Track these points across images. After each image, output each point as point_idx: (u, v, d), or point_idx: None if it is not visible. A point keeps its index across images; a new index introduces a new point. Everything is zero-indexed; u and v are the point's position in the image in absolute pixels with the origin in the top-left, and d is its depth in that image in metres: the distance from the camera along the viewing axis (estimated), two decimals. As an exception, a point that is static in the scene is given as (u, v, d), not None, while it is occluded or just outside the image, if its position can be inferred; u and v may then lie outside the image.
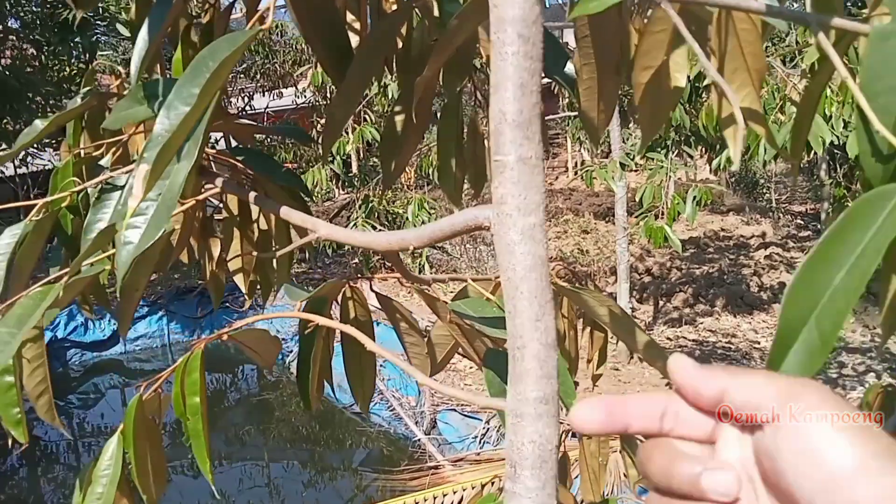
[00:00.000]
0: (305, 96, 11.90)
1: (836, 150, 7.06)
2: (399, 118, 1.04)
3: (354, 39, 1.02)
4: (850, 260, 0.38)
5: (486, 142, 1.13)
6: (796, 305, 0.41)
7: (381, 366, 6.99)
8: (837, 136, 4.26)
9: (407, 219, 7.63)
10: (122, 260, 0.74)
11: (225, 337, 0.76)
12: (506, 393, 0.84)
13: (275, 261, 1.12)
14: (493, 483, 4.18)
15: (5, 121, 9.40)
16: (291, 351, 8.35)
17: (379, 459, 6.13)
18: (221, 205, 1.13)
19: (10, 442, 0.88)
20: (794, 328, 0.41)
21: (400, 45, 1.06)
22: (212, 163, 1.10)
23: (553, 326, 0.56)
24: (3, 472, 6.44)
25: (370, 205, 8.86)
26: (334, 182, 12.30)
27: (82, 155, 1.11)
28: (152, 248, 0.89)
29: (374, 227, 8.85)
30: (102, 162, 1.10)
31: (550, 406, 0.57)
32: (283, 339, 8.65)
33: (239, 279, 1.15)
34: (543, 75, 1.00)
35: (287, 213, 0.76)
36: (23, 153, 10.12)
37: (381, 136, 1.03)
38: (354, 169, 11.60)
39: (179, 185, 0.74)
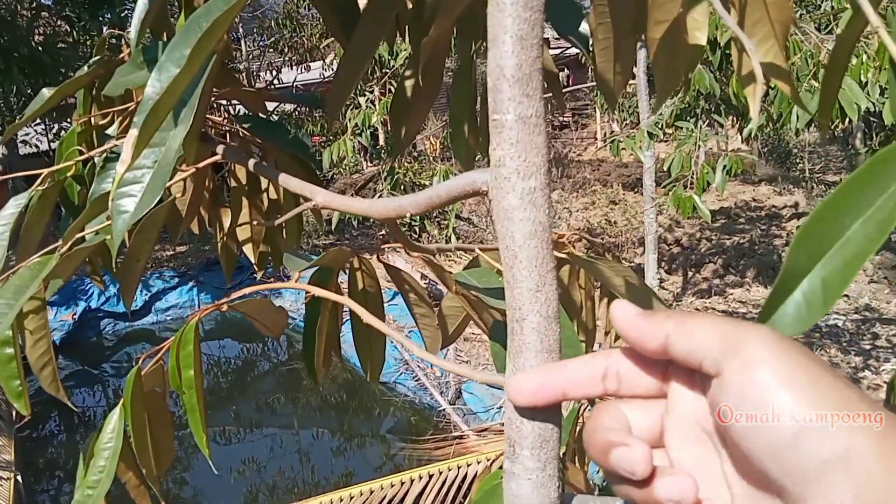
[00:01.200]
0: (333, 69, 11.87)
1: (871, 118, 6.88)
2: (409, 83, 1.00)
3: (362, 1, 0.98)
4: (868, 209, 0.34)
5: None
6: (802, 252, 0.36)
7: (406, 336, 6.98)
8: (874, 103, 4.13)
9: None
10: (117, 229, 0.72)
11: (224, 308, 0.74)
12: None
13: (284, 231, 1.09)
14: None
15: (38, 96, 9.48)
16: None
17: (405, 429, 6.17)
18: (228, 172, 1.11)
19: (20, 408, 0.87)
20: (797, 275, 0.36)
21: (411, 6, 1.02)
22: (221, 130, 1.08)
23: (555, 297, 0.52)
24: (42, 438, 6.59)
25: (396, 177, 8.82)
26: (362, 154, 12.29)
27: (92, 123, 1.09)
28: (154, 216, 0.86)
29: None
30: (109, 131, 1.08)
31: (551, 383, 0.54)
32: (310, 311, 8.70)
33: (248, 249, 1.13)
34: (557, 35, 0.96)
35: (285, 179, 0.73)
36: (56, 127, 10.25)
37: (391, 101, 0.99)
38: (381, 141, 11.57)
39: (175, 152, 0.71)
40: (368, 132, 10.49)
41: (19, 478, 4.88)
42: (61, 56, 9.28)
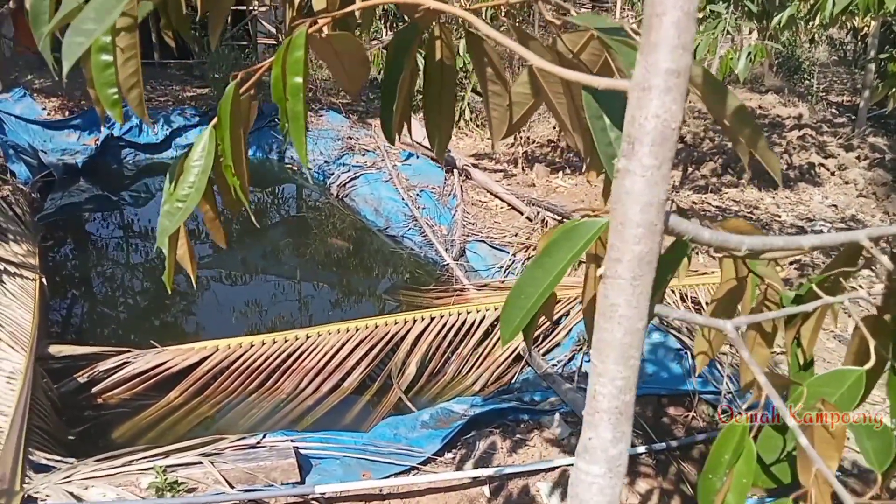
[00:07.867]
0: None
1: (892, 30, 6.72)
2: None
3: None
4: None
5: None
6: None
7: (416, 195, 6.98)
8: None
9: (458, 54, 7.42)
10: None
11: (326, 30, 0.71)
12: (604, 130, 0.80)
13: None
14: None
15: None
16: (333, 173, 8.36)
17: (408, 282, 6.24)
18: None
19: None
20: None
21: None
22: None
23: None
24: (59, 263, 6.64)
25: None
26: (382, 21, 11.97)
27: None
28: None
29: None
30: None
31: (681, 80, 0.52)
32: (326, 160, 8.63)
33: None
34: None
35: None
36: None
37: None
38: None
39: None
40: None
41: (44, 280, 4.97)
42: None
